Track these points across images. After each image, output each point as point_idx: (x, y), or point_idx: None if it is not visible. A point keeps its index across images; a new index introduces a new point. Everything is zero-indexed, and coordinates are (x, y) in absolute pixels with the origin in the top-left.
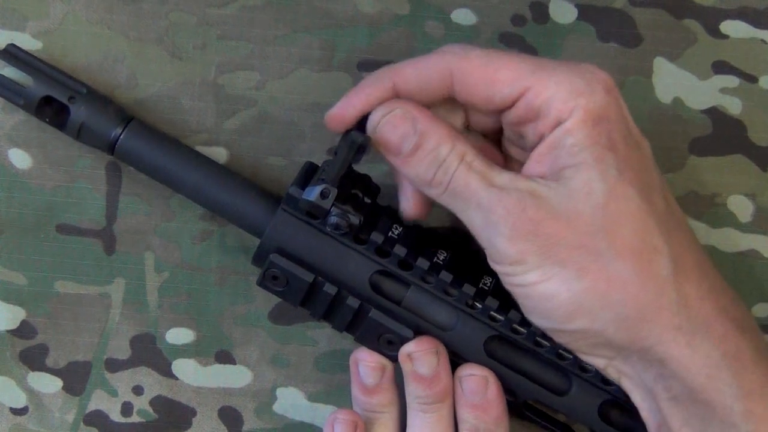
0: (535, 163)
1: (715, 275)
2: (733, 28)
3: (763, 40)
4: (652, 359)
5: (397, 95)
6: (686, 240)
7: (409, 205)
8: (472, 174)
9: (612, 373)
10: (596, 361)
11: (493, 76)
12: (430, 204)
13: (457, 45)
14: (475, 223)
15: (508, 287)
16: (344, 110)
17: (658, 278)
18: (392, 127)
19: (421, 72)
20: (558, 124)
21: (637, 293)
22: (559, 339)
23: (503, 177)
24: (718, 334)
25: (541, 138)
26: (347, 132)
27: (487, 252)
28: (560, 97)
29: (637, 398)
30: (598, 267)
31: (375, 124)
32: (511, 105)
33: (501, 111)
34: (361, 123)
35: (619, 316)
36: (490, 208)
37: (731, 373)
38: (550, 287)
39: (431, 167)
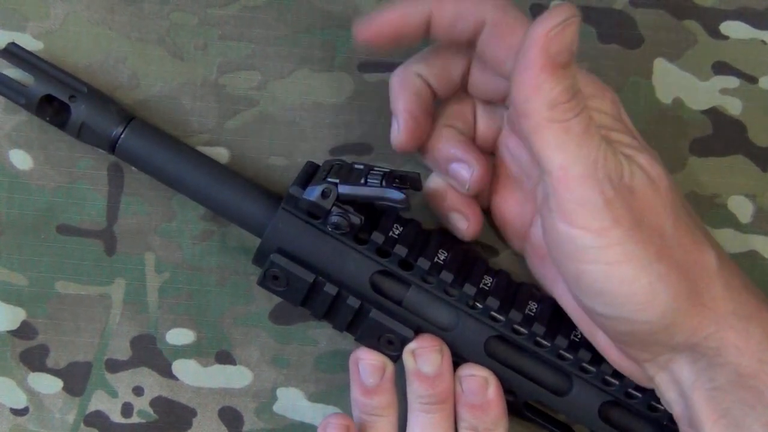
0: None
1: (741, 270)
2: (733, 28)
3: (763, 41)
4: (708, 348)
5: (428, 23)
6: (712, 236)
7: (403, 135)
8: (592, 122)
9: (639, 374)
10: (636, 357)
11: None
12: (423, 136)
13: None
14: (575, 173)
15: (573, 264)
16: (379, 24)
17: (709, 268)
18: (563, 32)
19: (460, 10)
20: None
21: (698, 282)
22: (616, 329)
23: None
24: (766, 321)
25: None
26: (390, 185)
27: (570, 213)
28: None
29: (671, 395)
30: (670, 254)
31: (550, 22)
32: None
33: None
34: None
35: (686, 307)
36: (599, 161)
37: None
38: (631, 269)
39: (570, 90)
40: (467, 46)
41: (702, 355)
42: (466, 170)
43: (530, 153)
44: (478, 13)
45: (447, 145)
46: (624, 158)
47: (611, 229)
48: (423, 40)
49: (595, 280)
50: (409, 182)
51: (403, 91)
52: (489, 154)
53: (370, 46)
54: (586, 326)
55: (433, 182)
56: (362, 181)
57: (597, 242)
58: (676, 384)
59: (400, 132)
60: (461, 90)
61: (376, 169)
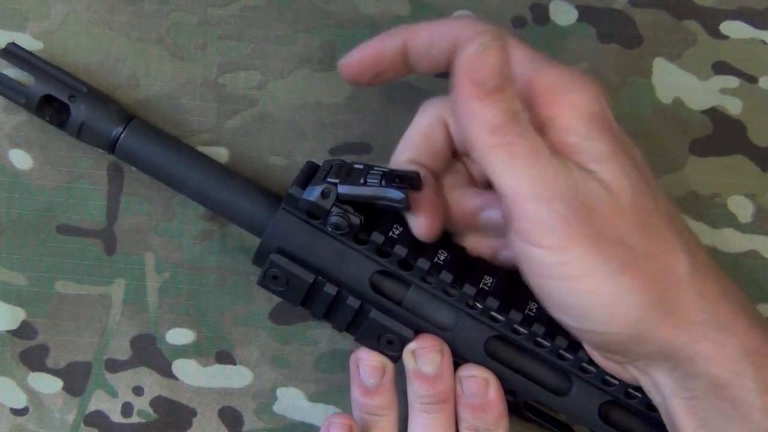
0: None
1: (723, 274)
2: (733, 28)
3: (763, 41)
4: (681, 358)
5: (406, 54)
6: (694, 240)
7: (424, 222)
8: (539, 139)
9: (627, 375)
10: (616, 362)
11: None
12: (443, 220)
13: (469, 17)
14: (525, 194)
15: (537, 280)
16: (357, 59)
17: (681, 277)
18: (484, 58)
19: (433, 36)
20: (553, 117)
21: (667, 292)
22: (587, 339)
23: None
24: (741, 331)
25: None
26: (389, 184)
27: (527, 232)
28: (552, 90)
29: (656, 399)
30: (635, 264)
31: (470, 49)
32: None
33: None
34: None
35: (654, 317)
36: (551, 179)
37: (753, 370)
38: (592, 283)
39: (506, 113)
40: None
41: (677, 364)
42: (495, 212)
43: (490, 180)
44: (450, 36)
45: (463, 204)
46: (579, 173)
47: (567, 246)
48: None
49: (559, 294)
50: (409, 182)
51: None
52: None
53: (354, 83)
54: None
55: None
56: (362, 180)
57: (556, 259)
58: (657, 389)
59: (419, 221)
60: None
61: (375, 168)
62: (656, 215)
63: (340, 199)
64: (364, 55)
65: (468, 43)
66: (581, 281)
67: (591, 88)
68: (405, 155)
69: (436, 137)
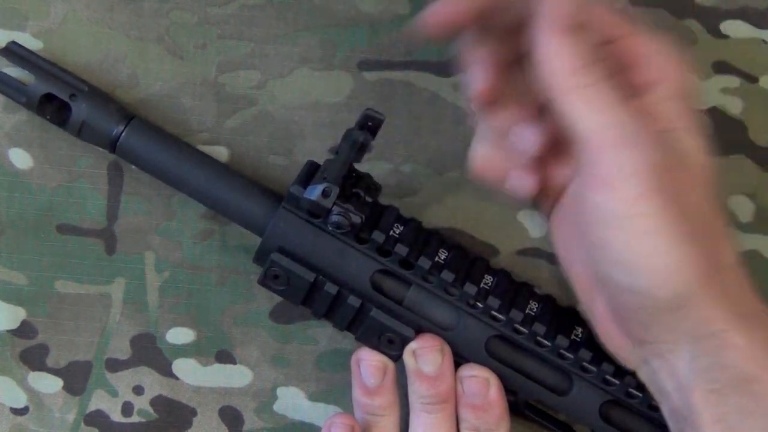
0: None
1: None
2: (734, 28)
3: (763, 40)
4: (711, 346)
5: None
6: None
7: (484, 77)
8: (618, 90)
9: (641, 357)
10: (639, 339)
11: (607, 15)
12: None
13: None
14: (604, 137)
15: (602, 232)
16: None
17: (729, 265)
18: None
19: None
20: (654, 84)
21: (718, 275)
22: (628, 302)
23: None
24: (766, 325)
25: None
26: (349, 130)
27: (604, 179)
28: (655, 59)
29: (668, 385)
30: (701, 237)
31: None
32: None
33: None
34: (361, 120)
35: (703, 294)
36: (632, 130)
37: None
38: (658, 242)
39: (592, 53)
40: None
41: (704, 352)
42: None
43: (565, 124)
44: None
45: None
46: (666, 130)
47: (648, 199)
48: None
49: (621, 249)
50: (372, 120)
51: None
52: None
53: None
54: (586, 293)
55: (483, 148)
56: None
57: (630, 210)
58: (673, 377)
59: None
60: None
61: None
62: (715, 201)
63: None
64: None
65: None
66: (649, 238)
67: (683, 67)
68: None
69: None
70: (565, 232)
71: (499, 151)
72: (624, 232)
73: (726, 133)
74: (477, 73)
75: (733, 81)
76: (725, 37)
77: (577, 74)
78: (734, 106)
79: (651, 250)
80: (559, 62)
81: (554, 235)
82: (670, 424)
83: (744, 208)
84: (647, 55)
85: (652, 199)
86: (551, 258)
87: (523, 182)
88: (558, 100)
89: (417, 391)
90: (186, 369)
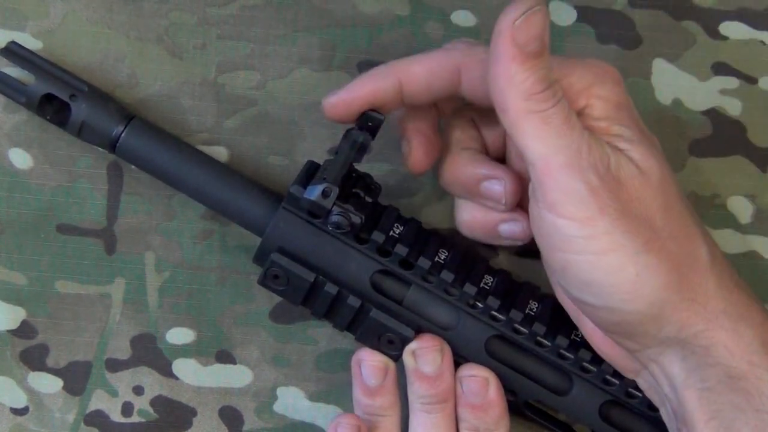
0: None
1: (734, 269)
2: (733, 29)
3: (762, 42)
4: (697, 346)
5: (401, 91)
6: (707, 232)
7: (417, 154)
8: (573, 112)
9: (633, 367)
10: (628, 348)
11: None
12: (435, 155)
13: (461, 41)
14: (557, 162)
15: (561, 255)
16: (347, 99)
17: (701, 263)
18: (529, 21)
19: (429, 70)
20: (584, 108)
21: (689, 276)
22: (605, 320)
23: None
24: (756, 322)
25: None
26: (348, 130)
27: (555, 203)
28: (577, 88)
29: (665, 389)
30: (659, 245)
31: (514, 12)
32: None
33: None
34: (361, 120)
35: (675, 299)
36: (584, 150)
37: None
38: (618, 259)
39: (545, 80)
40: (449, 98)
41: (692, 353)
42: (498, 185)
43: (516, 147)
44: (449, 67)
45: (470, 167)
46: (610, 149)
47: (597, 219)
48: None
49: (582, 270)
50: (372, 121)
51: (411, 111)
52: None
53: (341, 122)
54: (572, 312)
55: (466, 213)
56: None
57: (583, 232)
58: (668, 379)
59: (413, 152)
60: (457, 101)
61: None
62: (679, 200)
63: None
64: (354, 97)
65: (512, 7)
66: (607, 256)
67: (614, 78)
68: (418, 68)
69: (445, 80)
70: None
71: (480, 209)
72: (581, 254)
73: (725, 134)
74: (410, 145)
75: (733, 82)
76: (724, 38)
77: (530, 100)
78: (733, 108)
79: (611, 268)
80: (513, 90)
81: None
82: (670, 427)
83: (743, 209)
84: (575, 86)
85: (601, 219)
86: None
87: (514, 228)
88: (510, 126)
89: (416, 391)
90: (186, 369)
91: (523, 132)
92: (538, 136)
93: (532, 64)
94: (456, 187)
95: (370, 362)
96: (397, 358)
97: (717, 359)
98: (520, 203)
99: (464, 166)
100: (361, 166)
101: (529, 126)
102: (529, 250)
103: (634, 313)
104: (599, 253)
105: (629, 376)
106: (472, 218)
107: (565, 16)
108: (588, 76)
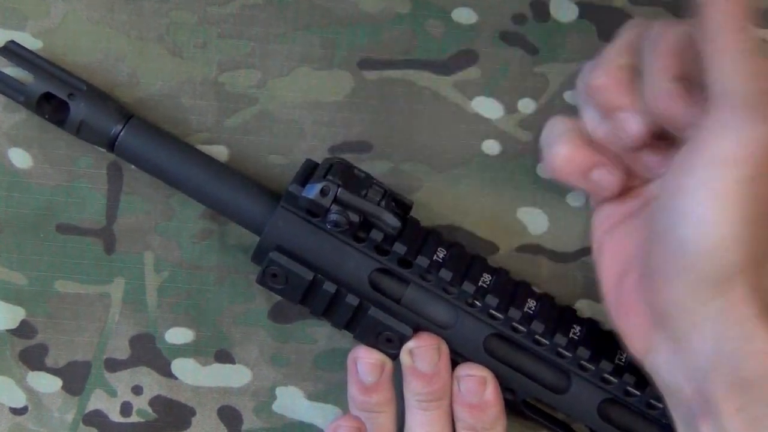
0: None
1: None
2: None
3: (764, 40)
4: (739, 331)
5: None
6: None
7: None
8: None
9: (661, 337)
10: (662, 318)
11: None
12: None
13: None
14: (738, 104)
15: (678, 179)
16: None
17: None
18: None
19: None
20: None
21: (760, 266)
22: (674, 262)
23: None
24: None
25: None
26: (389, 207)
27: (712, 135)
28: None
29: (687, 372)
30: (759, 225)
31: None
32: None
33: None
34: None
35: (742, 276)
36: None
37: None
38: (729, 215)
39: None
40: None
41: (731, 336)
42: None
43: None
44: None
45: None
46: None
47: (734, 168)
48: None
49: (693, 205)
50: (404, 208)
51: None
52: None
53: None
54: (617, 266)
55: (565, 148)
56: (363, 193)
57: (715, 171)
58: (688, 364)
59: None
60: None
61: (376, 184)
62: None
63: (338, 201)
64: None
65: None
66: (720, 205)
67: None
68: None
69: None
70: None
71: (585, 148)
72: (701, 190)
73: None
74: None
75: None
76: None
77: (741, 35)
78: None
79: (718, 217)
80: (729, 22)
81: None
82: (676, 418)
83: None
84: None
85: (738, 170)
86: (551, 255)
87: (609, 177)
88: (715, 56)
89: (413, 388)
90: (185, 369)
91: (725, 64)
92: (736, 73)
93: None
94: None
95: (366, 359)
96: (395, 357)
97: (757, 348)
98: None
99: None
100: (361, 167)
101: (734, 59)
102: (529, 247)
103: (708, 265)
104: (716, 199)
105: (636, 355)
106: (569, 154)
107: (567, 12)
108: None
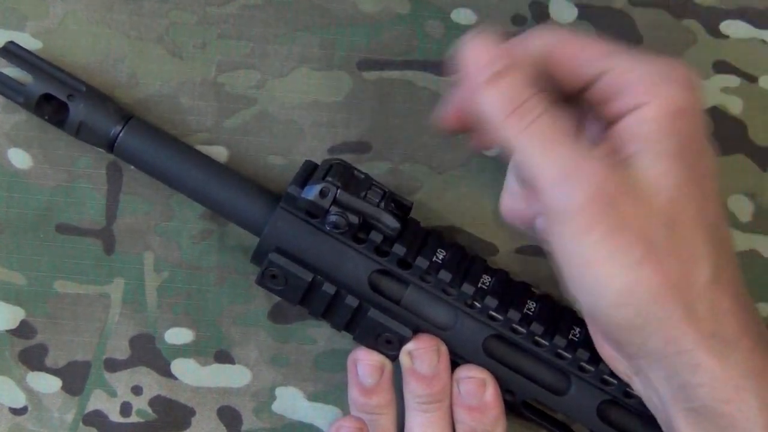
0: (606, 144)
1: (745, 292)
2: (733, 28)
3: (763, 40)
4: (684, 365)
5: None
6: (728, 254)
7: (446, 114)
8: (558, 124)
9: (633, 368)
10: (622, 356)
11: (579, 51)
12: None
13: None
14: (546, 176)
15: (559, 254)
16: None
17: (699, 285)
18: (477, 49)
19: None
20: (635, 108)
21: (682, 295)
22: (598, 324)
23: (585, 142)
24: (747, 348)
25: (615, 120)
26: (388, 208)
27: (549, 216)
28: (642, 83)
29: (654, 402)
30: (655, 260)
31: (468, 39)
32: (593, 83)
33: (584, 89)
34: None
35: (663, 314)
36: (571, 165)
37: (757, 388)
38: (609, 269)
39: (513, 100)
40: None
41: (677, 372)
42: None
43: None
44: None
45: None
46: (610, 162)
47: (592, 229)
48: None
49: (576, 276)
50: (403, 209)
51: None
52: None
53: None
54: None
55: (510, 200)
56: (362, 194)
57: (581, 240)
58: (656, 392)
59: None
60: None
61: (375, 185)
62: (693, 221)
63: (337, 203)
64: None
65: (468, 37)
66: (597, 267)
67: (682, 81)
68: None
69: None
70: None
71: (524, 200)
72: (576, 266)
73: (726, 133)
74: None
75: (733, 81)
76: (725, 37)
77: (513, 118)
78: (734, 106)
79: (602, 277)
80: (493, 112)
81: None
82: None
83: (743, 208)
84: (633, 80)
85: (595, 230)
86: (550, 256)
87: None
88: (503, 146)
89: (413, 390)
90: (185, 369)
91: (517, 148)
92: (533, 149)
93: (497, 87)
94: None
95: (366, 361)
96: (394, 358)
97: (702, 382)
98: None
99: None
100: (361, 167)
101: (522, 140)
102: (529, 248)
103: (619, 319)
104: (591, 262)
105: (625, 378)
106: (509, 204)
107: (566, 13)
108: (651, 76)
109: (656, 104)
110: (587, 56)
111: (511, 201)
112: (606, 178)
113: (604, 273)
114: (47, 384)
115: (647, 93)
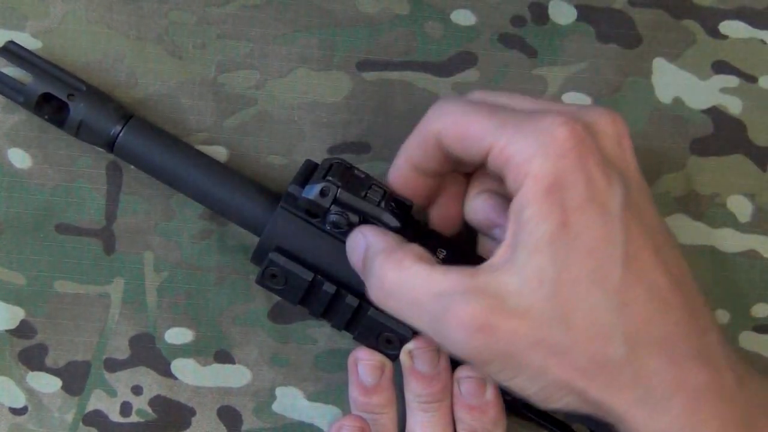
0: (503, 235)
1: (686, 338)
2: (733, 28)
3: (762, 41)
4: (614, 417)
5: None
6: (649, 307)
7: (439, 218)
8: (409, 271)
9: None
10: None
11: (465, 131)
12: (460, 223)
13: (442, 100)
14: (424, 329)
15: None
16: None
17: (614, 359)
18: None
19: (419, 144)
20: (517, 189)
21: (597, 377)
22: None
23: (450, 277)
24: (680, 406)
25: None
26: (388, 207)
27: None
28: (517, 159)
29: None
30: (558, 360)
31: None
32: (485, 161)
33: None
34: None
35: (581, 397)
36: (438, 316)
37: None
38: (518, 384)
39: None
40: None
41: (648, 415)
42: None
43: None
44: (432, 136)
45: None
46: (475, 292)
47: (486, 363)
48: None
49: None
50: (404, 208)
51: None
52: None
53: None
54: None
55: (471, 210)
56: (363, 194)
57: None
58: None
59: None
60: None
61: (375, 184)
62: (589, 299)
63: (338, 202)
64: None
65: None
66: (508, 383)
67: (561, 149)
68: (403, 161)
69: (433, 152)
70: None
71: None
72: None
73: (725, 133)
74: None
75: (733, 81)
76: (724, 37)
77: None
78: (734, 106)
79: (519, 388)
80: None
81: None
82: None
83: (743, 208)
84: (512, 156)
85: (491, 358)
86: None
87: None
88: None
89: (413, 390)
90: (185, 369)
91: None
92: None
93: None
94: (480, 228)
95: (367, 361)
96: (395, 358)
97: (665, 428)
98: None
99: (478, 210)
100: (361, 167)
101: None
102: None
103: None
104: (502, 381)
105: None
106: (474, 206)
107: (565, 15)
108: (530, 148)
109: (529, 183)
110: (473, 134)
111: (477, 206)
112: (477, 311)
113: (517, 386)
114: (47, 384)
115: (520, 172)
